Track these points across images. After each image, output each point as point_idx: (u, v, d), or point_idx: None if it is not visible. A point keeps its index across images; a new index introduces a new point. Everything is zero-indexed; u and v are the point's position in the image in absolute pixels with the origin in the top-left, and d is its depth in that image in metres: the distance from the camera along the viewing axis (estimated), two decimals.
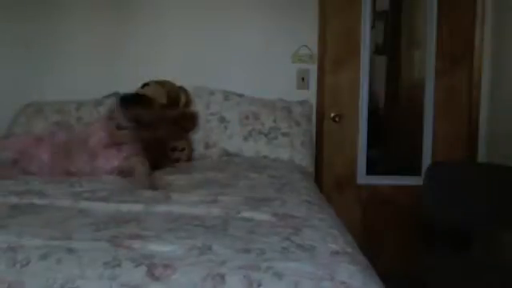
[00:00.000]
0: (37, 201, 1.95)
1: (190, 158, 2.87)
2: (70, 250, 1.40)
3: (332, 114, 3.34)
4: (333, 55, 3.31)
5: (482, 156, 3.30)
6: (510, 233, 2.43)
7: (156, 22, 3.27)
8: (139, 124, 2.54)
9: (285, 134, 2.98)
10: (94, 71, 3.22)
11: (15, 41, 3.25)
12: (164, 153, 2.77)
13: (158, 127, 2.71)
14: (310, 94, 3.31)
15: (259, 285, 1.26)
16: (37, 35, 3.27)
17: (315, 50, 3.29)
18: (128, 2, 3.30)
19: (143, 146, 2.52)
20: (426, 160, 3.35)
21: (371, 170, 3.41)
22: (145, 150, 2.52)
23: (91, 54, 3.25)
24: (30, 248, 1.42)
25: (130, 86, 3.04)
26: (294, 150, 2.94)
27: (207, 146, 2.98)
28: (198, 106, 3.07)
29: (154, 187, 2.19)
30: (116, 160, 2.48)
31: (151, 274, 1.30)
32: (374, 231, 3.33)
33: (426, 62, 3.36)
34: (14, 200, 1.96)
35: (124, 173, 2.43)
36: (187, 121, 2.98)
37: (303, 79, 3.31)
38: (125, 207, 1.87)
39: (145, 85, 3.02)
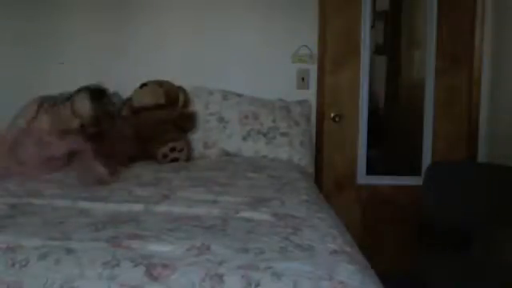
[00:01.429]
0: (35, 201, 1.95)
1: (188, 158, 2.86)
2: (69, 251, 1.40)
3: (332, 114, 3.34)
4: (333, 55, 3.31)
5: (482, 156, 3.29)
6: (509, 233, 2.43)
7: (155, 22, 3.27)
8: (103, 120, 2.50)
9: (284, 134, 2.98)
10: (94, 71, 3.22)
11: (15, 40, 3.25)
12: (144, 149, 2.78)
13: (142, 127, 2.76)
14: (310, 94, 3.31)
15: (258, 285, 1.26)
16: (37, 35, 3.26)
17: (315, 50, 3.29)
18: (128, 2, 3.30)
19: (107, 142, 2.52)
20: (426, 160, 3.35)
21: (371, 170, 3.40)
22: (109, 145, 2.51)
23: (91, 54, 3.25)
24: (29, 248, 1.42)
25: (130, 86, 3.05)
26: (293, 150, 2.95)
27: (206, 145, 2.98)
28: (197, 106, 3.07)
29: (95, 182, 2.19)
30: (65, 145, 2.44)
31: (150, 274, 1.30)
32: (374, 231, 3.32)
33: (426, 61, 3.35)
34: (13, 200, 1.96)
35: (74, 157, 2.42)
36: (186, 121, 2.99)
37: (303, 79, 3.31)
38: (124, 207, 1.87)
39: (143, 85, 3.02)
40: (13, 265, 1.36)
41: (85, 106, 2.52)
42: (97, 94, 2.58)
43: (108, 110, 2.58)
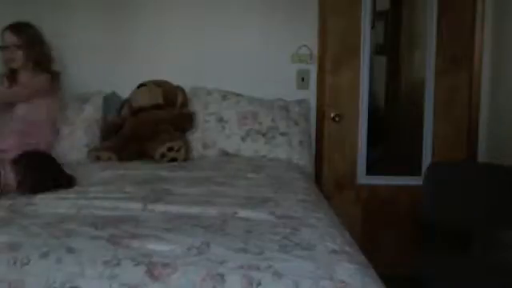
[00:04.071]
0: (35, 201, 1.95)
1: (186, 158, 2.85)
2: (70, 249, 1.40)
3: (332, 114, 3.33)
4: (333, 55, 3.30)
5: (482, 156, 3.29)
6: (509, 233, 2.43)
7: (155, 22, 3.26)
8: (34, 44, 2.78)
9: (283, 134, 2.97)
10: (94, 71, 3.22)
11: None
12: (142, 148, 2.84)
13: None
14: (310, 94, 3.31)
15: (259, 284, 1.26)
16: None
17: (315, 50, 3.29)
18: (128, 2, 3.30)
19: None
20: (426, 160, 3.34)
21: (371, 170, 3.40)
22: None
23: (91, 54, 3.25)
24: (30, 247, 1.42)
25: (130, 86, 3.05)
26: (292, 150, 2.94)
27: (205, 145, 2.97)
28: (196, 106, 3.07)
29: None
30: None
31: (150, 274, 1.30)
32: (374, 231, 3.32)
33: (426, 61, 3.35)
34: (13, 200, 1.95)
35: None
36: (184, 121, 2.98)
37: (303, 79, 3.31)
38: (123, 206, 1.87)
39: (141, 85, 3.02)
40: (14, 263, 1.36)
41: (8, 34, 2.77)
42: (15, 25, 2.81)
43: (32, 33, 2.81)
